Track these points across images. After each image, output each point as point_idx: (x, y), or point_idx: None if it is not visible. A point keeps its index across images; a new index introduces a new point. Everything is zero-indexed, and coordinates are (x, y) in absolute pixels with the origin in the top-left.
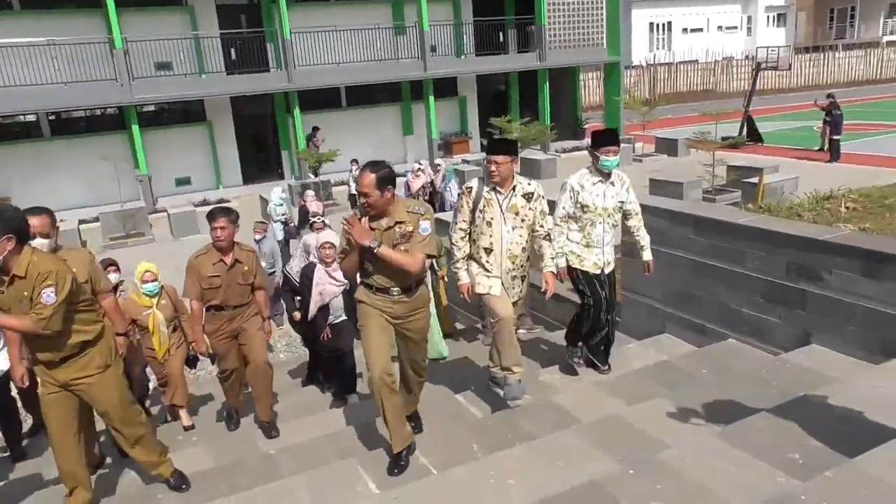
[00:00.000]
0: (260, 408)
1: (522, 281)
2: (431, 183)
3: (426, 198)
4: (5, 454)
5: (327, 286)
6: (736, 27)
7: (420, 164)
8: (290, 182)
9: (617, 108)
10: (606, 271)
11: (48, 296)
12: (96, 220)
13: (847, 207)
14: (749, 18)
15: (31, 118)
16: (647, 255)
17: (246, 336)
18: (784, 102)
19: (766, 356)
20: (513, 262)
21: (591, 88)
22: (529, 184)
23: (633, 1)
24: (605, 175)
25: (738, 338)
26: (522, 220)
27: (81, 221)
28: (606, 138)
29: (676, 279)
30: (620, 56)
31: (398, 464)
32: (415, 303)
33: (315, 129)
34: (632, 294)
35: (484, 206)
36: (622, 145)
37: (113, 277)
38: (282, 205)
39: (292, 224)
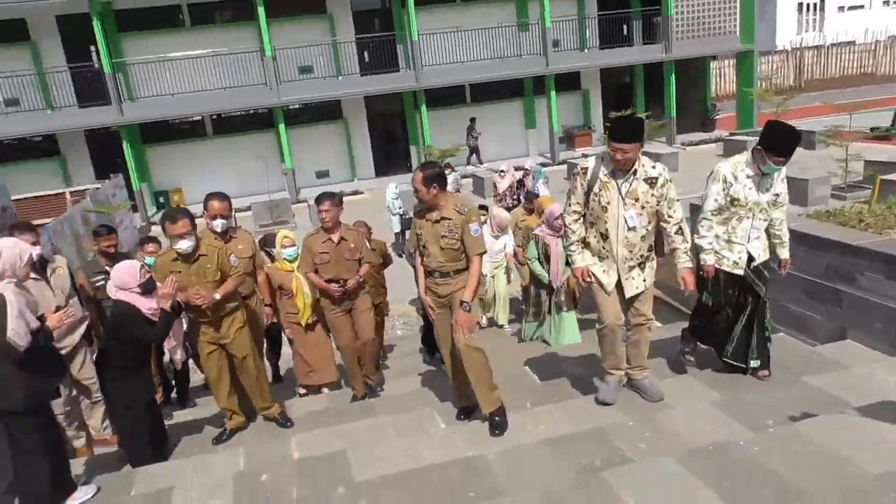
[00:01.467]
0: (366, 369)
1: (642, 270)
2: (521, 183)
3: (515, 198)
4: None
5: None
6: None
7: (504, 166)
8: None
9: (749, 100)
10: (753, 265)
11: (234, 260)
12: (248, 208)
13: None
14: None
15: (197, 119)
16: (784, 253)
17: (356, 313)
18: None
19: (805, 347)
20: (630, 251)
21: (727, 76)
22: (654, 167)
23: None
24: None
25: (785, 331)
26: (643, 207)
27: (236, 210)
28: (782, 144)
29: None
30: (754, 44)
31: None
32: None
33: (472, 119)
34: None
35: (600, 189)
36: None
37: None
38: (397, 198)
39: (408, 216)
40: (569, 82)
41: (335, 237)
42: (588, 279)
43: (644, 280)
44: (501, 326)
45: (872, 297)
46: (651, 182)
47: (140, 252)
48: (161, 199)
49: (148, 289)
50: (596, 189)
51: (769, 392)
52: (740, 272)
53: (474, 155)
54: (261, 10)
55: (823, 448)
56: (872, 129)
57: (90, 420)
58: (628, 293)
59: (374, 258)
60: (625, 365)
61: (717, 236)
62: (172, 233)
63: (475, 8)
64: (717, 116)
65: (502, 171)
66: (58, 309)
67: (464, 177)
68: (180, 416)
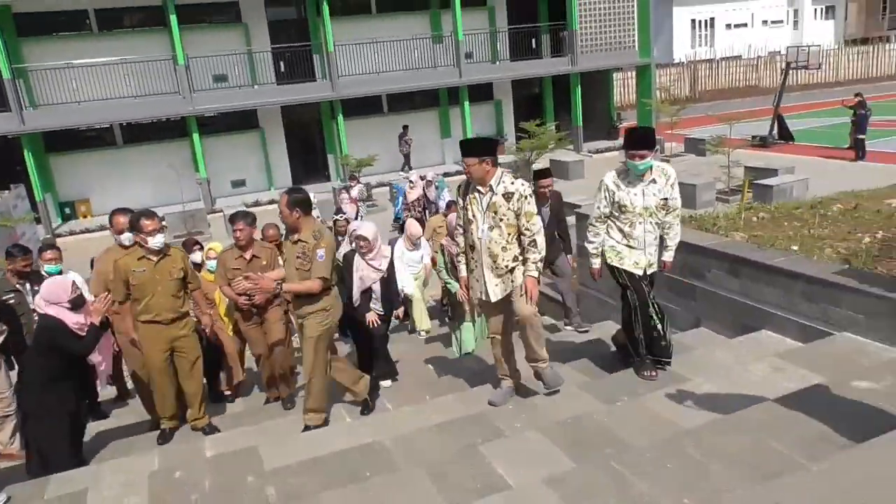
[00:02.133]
0: (282, 386)
1: (511, 273)
2: (425, 195)
3: (420, 209)
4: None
5: (366, 272)
6: (782, 21)
7: (411, 178)
8: (335, 184)
9: (648, 110)
10: (649, 272)
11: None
12: (162, 219)
13: (759, 217)
14: (795, 12)
15: (106, 126)
16: (666, 256)
17: (267, 325)
18: (829, 97)
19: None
20: (493, 261)
21: (629, 87)
22: (513, 183)
23: None
24: (640, 174)
25: None
26: (501, 220)
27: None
28: (637, 140)
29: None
30: (651, 58)
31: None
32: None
33: (405, 127)
34: (584, 288)
35: (468, 204)
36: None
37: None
38: (315, 208)
39: (327, 226)
40: (482, 93)
41: (247, 255)
42: (467, 291)
43: (511, 281)
44: (422, 332)
45: (718, 290)
46: (508, 197)
47: (40, 260)
48: (67, 210)
49: (77, 304)
50: (466, 204)
51: (629, 374)
52: (640, 272)
53: (406, 162)
54: (173, 18)
55: (657, 414)
56: (753, 138)
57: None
58: (494, 298)
59: (282, 273)
60: (518, 375)
61: (618, 241)
62: (145, 229)
63: (390, 19)
64: (621, 125)
65: (411, 182)
66: None
67: (377, 186)
68: (93, 427)
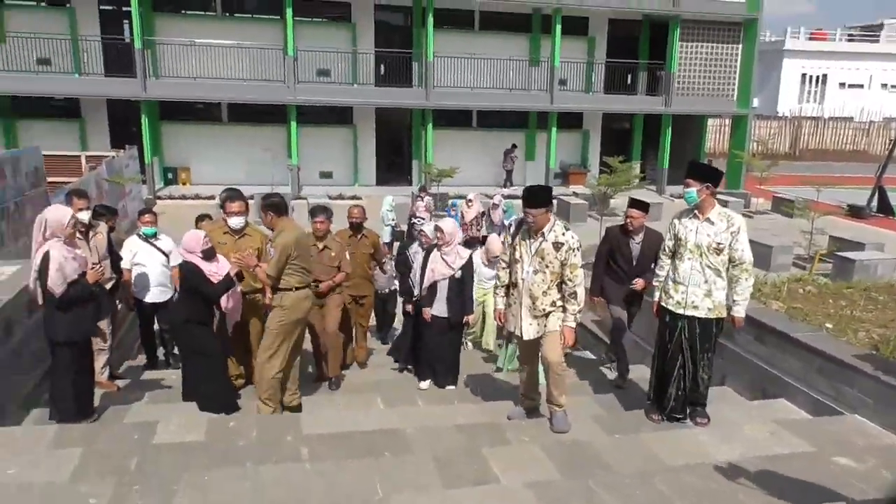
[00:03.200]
0: (331, 365)
1: (546, 318)
2: (484, 214)
3: (479, 228)
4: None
5: (438, 265)
6: None
7: (470, 197)
8: (415, 189)
9: (738, 161)
10: (689, 313)
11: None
12: (251, 198)
13: (804, 290)
14: None
15: (215, 104)
16: (736, 311)
17: (326, 309)
18: None
19: None
20: (532, 301)
21: (724, 134)
22: (563, 234)
23: (787, 50)
24: (700, 210)
25: None
26: (547, 266)
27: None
28: (687, 170)
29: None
30: (749, 110)
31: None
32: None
33: (514, 146)
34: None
35: (516, 244)
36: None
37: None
38: (392, 210)
39: (399, 228)
40: (572, 120)
41: (321, 245)
42: (502, 320)
43: (545, 326)
44: (489, 351)
45: (745, 353)
46: (557, 246)
47: (138, 222)
48: (170, 175)
49: (208, 255)
50: (515, 244)
51: (640, 415)
52: (681, 311)
53: (508, 179)
54: (289, 11)
55: (647, 449)
56: (848, 206)
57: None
58: (525, 336)
59: (349, 267)
60: (539, 397)
61: (668, 276)
62: (229, 210)
63: (491, 38)
64: None
65: (470, 200)
66: (93, 266)
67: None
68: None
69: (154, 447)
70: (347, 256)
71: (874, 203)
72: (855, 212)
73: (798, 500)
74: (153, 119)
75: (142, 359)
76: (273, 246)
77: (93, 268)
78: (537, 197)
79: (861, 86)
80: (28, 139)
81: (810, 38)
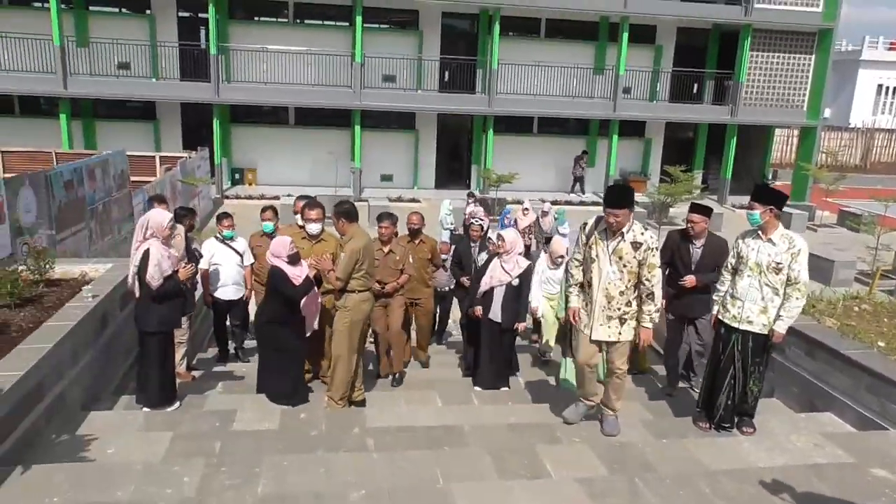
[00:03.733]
0: (395, 362)
1: (620, 324)
2: (538, 224)
3: (530, 236)
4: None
5: (496, 272)
6: None
7: (525, 205)
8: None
9: (804, 174)
10: (743, 328)
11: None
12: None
13: (859, 308)
14: None
15: (283, 108)
16: (778, 326)
17: (390, 309)
18: None
19: None
20: (608, 301)
21: (791, 145)
22: (643, 233)
23: (863, 60)
24: (763, 231)
25: None
26: (625, 266)
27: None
28: (753, 193)
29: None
30: (819, 121)
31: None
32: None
33: (585, 152)
34: None
35: (593, 244)
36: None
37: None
38: (450, 214)
39: (457, 232)
40: (634, 128)
41: (386, 248)
42: (576, 319)
43: (619, 332)
44: (548, 352)
45: (795, 367)
46: (636, 246)
47: (219, 227)
48: (237, 176)
49: (294, 260)
50: (591, 243)
51: (687, 421)
52: (736, 325)
53: (578, 184)
54: (359, 19)
55: (691, 454)
56: None
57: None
58: (595, 336)
59: (412, 269)
60: (597, 398)
61: (727, 291)
62: (308, 217)
63: (556, 45)
64: (774, 183)
65: (526, 208)
66: (185, 266)
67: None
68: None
69: (234, 433)
70: (411, 259)
71: None
72: None
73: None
74: (224, 122)
75: (212, 351)
76: (343, 250)
77: (184, 266)
78: (621, 197)
79: None
80: (106, 139)
81: (889, 48)
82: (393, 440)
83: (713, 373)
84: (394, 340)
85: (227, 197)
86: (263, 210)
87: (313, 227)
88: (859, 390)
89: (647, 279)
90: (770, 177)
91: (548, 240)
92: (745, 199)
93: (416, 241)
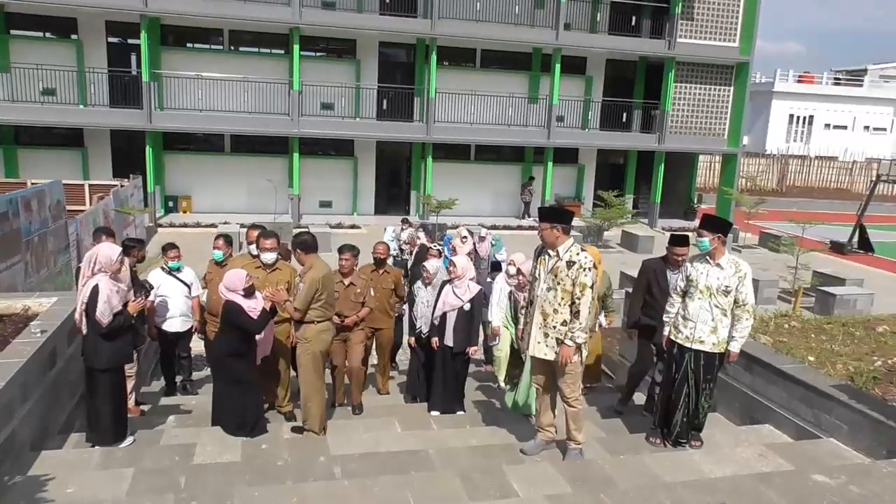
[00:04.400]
0: (354, 395)
1: (557, 343)
2: (475, 250)
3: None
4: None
5: (448, 297)
6: (885, 129)
7: (463, 233)
8: (413, 219)
9: (727, 198)
10: (695, 347)
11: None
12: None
13: (788, 325)
14: None
15: (219, 135)
16: (732, 346)
17: (350, 343)
18: None
19: None
20: (543, 319)
21: (714, 170)
22: (578, 254)
23: (776, 91)
24: (712, 256)
25: None
26: (558, 283)
27: (241, 226)
28: (702, 221)
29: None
30: (739, 148)
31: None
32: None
33: (531, 178)
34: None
35: (538, 264)
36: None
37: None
38: (393, 240)
39: (400, 258)
40: (567, 155)
41: (346, 281)
42: (521, 337)
43: (555, 352)
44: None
45: (734, 382)
46: (570, 265)
47: (165, 258)
48: (170, 204)
49: (249, 292)
50: (537, 263)
51: (640, 438)
52: (689, 345)
53: (526, 210)
54: (296, 47)
55: (648, 468)
56: (831, 243)
57: None
58: (531, 352)
59: (373, 302)
60: (553, 430)
61: (679, 313)
62: (263, 247)
63: (491, 75)
64: (700, 206)
65: (464, 236)
66: (135, 299)
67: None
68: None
69: (197, 467)
70: (372, 293)
71: (855, 240)
72: (837, 248)
73: None
74: (157, 149)
75: (155, 384)
76: (302, 281)
77: (134, 300)
78: (548, 213)
79: (845, 127)
80: (30, 168)
81: (798, 81)
82: (359, 467)
83: (669, 392)
84: (354, 376)
85: (161, 225)
86: (216, 238)
87: (268, 257)
88: (794, 402)
89: (577, 297)
90: (696, 201)
91: (494, 266)
92: (674, 223)
93: (381, 272)
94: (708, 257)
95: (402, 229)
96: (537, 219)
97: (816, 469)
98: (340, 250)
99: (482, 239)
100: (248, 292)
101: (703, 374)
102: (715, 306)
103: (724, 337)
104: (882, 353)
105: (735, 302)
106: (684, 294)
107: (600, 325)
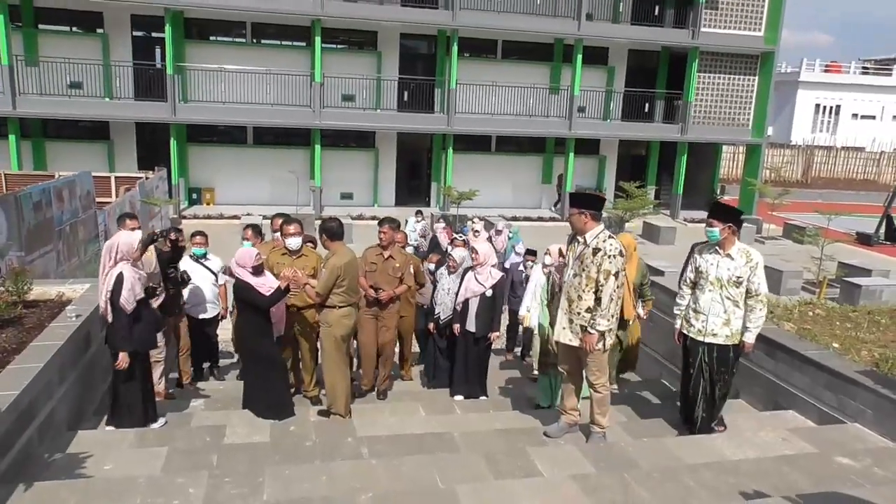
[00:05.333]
0: (381, 376)
1: (582, 331)
2: (491, 243)
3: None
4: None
5: (470, 283)
6: None
7: (476, 227)
8: (433, 210)
9: (750, 189)
10: (708, 340)
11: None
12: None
13: (813, 313)
14: None
15: (241, 127)
16: (746, 336)
17: (382, 319)
18: None
19: None
20: (568, 304)
21: (738, 161)
22: (605, 241)
23: (801, 81)
24: (722, 246)
25: None
26: (583, 270)
27: (264, 217)
28: (710, 210)
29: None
30: (764, 139)
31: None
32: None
33: (560, 176)
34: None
35: (568, 250)
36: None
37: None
38: (415, 231)
39: (422, 249)
40: (589, 146)
41: (385, 254)
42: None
43: (579, 337)
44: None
45: (758, 369)
46: (595, 252)
47: (190, 244)
48: (194, 195)
49: (258, 270)
50: (568, 250)
51: (659, 423)
52: (701, 339)
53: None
54: (317, 39)
55: (670, 451)
56: (857, 234)
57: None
58: (556, 338)
59: (411, 280)
60: (576, 413)
61: (689, 306)
62: (286, 232)
63: (513, 66)
64: (723, 198)
65: (476, 230)
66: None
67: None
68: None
69: (228, 447)
70: (412, 270)
71: (882, 231)
72: (863, 239)
73: (803, 489)
74: (181, 141)
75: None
76: (325, 266)
77: (157, 291)
78: (578, 199)
79: (873, 117)
80: (57, 160)
81: (825, 70)
82: (386, 448)
83: (686, 386)
84: (386, 356)
85: (185, 217)
86: (245, 228)
87: (293, 242)
88: (818, 388)
89: (601, 285)
90: (719, 192)
91: (529, 252)
92: (696, 214)
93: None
94: (718, 247)
95: (417, 221)
96: (569, 204)
97: (840, 452)
98: (380, 223)
99: (499, 232)
100: (257, 270)
101: (717, 366)
102: (727, 298)
103: (737, 328)
104: None
105: (747, 292)
106: (694, 285)
107: (638, 315)
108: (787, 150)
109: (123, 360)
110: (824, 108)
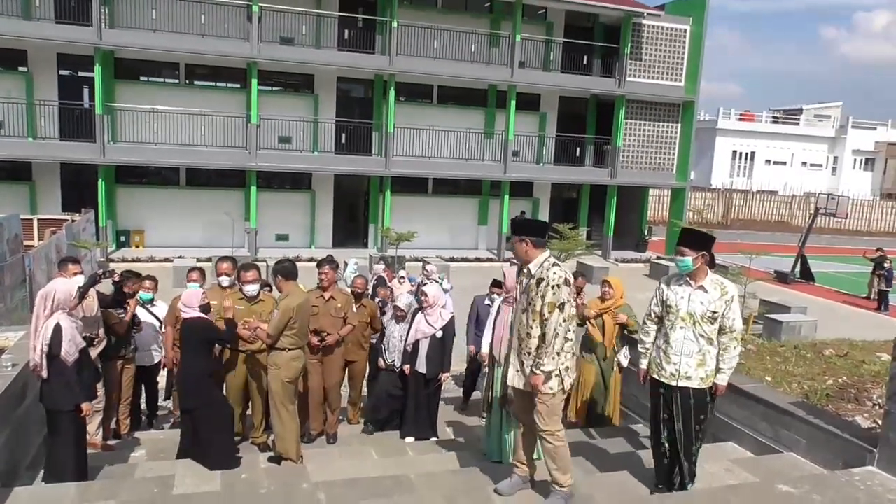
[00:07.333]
0: (330, 421)
1: (529, 371)
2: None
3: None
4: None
5: (420, 325)
6: (821, 165)
7: (403, 273)
8: (371, 252)
9: (676, 230)
10: (682, 384)
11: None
12: (209, 260)
13: (745, 348)
14: (835, 159)
15: (174, 168)
16: (719, 378)
17: (328, 362)
18: (857, 245)
19: None
20: (520, 343)
21: (664, 203)
22: (548, 270)
23: (719, 129)
24: (693, 277)
25: None
26: (530, 304)
27: (198, 260)
28: (682, 237)
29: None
30: (687, 182)
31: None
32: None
33: (522, 212)
34: None
35: (518, 283)
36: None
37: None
38: (355, 273)
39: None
40: (523, 189)
41: (326, 295)
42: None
43: (524, 381)
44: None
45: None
46: (539, 283)
47: (140, 287)
48: (122, 238)
49: (205, 310)
50: (518, 282)
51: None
52: (675, 383)
53: None
54: (254, 81)
55: (623, 483)
56: (776, 272)
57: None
58: (509, 382)
59: (355, 320)
60: (526, 467)
61: (658, 346)
62: (244, 279)
63: (449, 110)
64: (651, 239)
65: (402, 277)
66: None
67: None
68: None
69: (180, 497)
70: (354, 309)
71: (797, 269)
72: (781, 277)
73: None
74: (109, 182)
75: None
76: (277, 308)
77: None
78: (518, 225)
79: (784, 163)
80: None
81: (740, 119)
82: (343, 492)
83: (658, 438)
84: (332, 398)
85: (113, 260)
86: (190, 271)
87: (250, 289)
88: (755, 420)
89: (545, 319)
90: (647, 232)
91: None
92: (627, 254)
93: (358, 306)
94: (689, 279)
95: (355, 263)
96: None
97: (781, 480)
98: (319, 264)
99: (423, 285)
100: (204, 310)
101: (694, 414)
102: (700, 335)
103: (712, 369)
104: (832, 373)
105: (721, 329)
106: (660, 321)
107: (619, 364)
108: (708, 193)
109: (88, 409)
110: (740, 154)
